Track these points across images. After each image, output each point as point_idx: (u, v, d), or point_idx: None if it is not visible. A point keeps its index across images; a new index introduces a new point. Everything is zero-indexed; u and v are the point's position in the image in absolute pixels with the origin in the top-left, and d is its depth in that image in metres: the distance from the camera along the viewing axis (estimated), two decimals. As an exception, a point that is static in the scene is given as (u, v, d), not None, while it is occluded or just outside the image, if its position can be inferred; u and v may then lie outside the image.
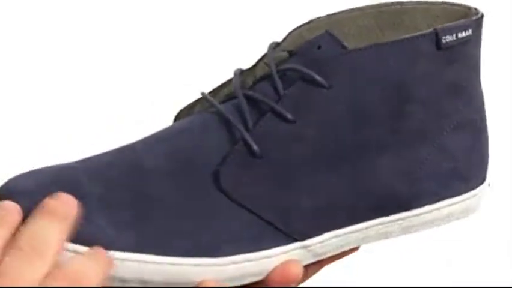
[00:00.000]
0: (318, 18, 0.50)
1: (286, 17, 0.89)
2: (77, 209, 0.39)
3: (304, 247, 0.44)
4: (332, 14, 0.51)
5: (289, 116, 0.43)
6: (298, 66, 0.44)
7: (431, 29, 0.46)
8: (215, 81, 0.50)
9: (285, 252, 0.44)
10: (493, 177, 0.78)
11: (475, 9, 0.49)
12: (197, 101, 0.49)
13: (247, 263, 0.42)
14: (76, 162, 0.43)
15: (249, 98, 0.45)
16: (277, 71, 0.45)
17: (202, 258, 0.41)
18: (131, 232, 0.40)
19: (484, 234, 0.76)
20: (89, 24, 0.88)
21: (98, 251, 0.39)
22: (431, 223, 0.48)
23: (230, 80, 0.48)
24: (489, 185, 0.52)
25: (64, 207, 0.39)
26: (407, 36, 0.45)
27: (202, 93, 0.48)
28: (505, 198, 0.78)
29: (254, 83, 0.47)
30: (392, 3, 0.51)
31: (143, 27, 0.88)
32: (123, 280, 0.40)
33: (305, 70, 0.44)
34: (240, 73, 0.48)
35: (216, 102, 0.45)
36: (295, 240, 0.44)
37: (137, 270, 0.40)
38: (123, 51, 0.87)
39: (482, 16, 0.48)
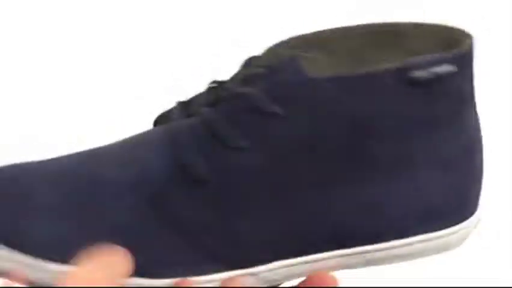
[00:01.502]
0: (297, 36, 0.48)
1: (286, 20, 0.89)
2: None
3: (252, 274, 0.43)
4: (318, 32, 0.49)
5: (241, 143, 0.42)
6: (252, 92, 0.42)
7: (400, 63, 0.43)
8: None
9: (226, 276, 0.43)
10: (492, 177, 0.78)
11: (468, 35, 0.47)
12: (174, 108, 0.47)
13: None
14: (39, 163, 0.43)
15: (205, 121, 0.43)
16: (236, 94, 0.43)
17: (143, 279, 0.40)
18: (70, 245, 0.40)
19: (484, 234, 0.77)
20: (93, 25, 0.88)
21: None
22: (402, 257, 0.46)
23: (206, 90, 0.47)
24: (478, 220, 0.49)
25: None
26: (372, 70, 0.43)
27: (176, 103, 0.46)
28: (505, 198, 0.79)
29: (217, 101, 0.45)
30: (385, 24, 0.49)
31: (148, 29, 0.88)
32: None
33: (258, 99, 0.42)
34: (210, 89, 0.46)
35: (176, 117, 0.44)
36: (240, 267, 0.43)
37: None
38: (127, 52, 0.87)
39: (468, 50, 0.46)
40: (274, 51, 0.47)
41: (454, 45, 0.48)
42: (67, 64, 0.86)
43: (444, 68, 0.44)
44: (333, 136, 0.42)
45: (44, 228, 0.39)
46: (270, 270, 0.44)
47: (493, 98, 0.85)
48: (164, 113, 0.47)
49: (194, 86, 0.84)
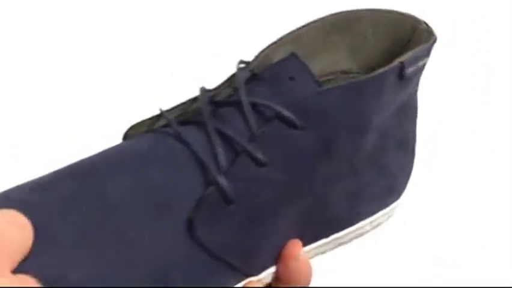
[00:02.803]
0: (282, 37, 0.48)
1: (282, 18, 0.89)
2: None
3: (258, 280, 0.43)
4: (294, 31, 0.48)
5: (262, 159, 0.40)
6: (276, 106, 0.41)
7: (397, 62, 0.43)
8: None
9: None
10: (493, 177, 0.79)
11: (425, 24, 0.48)
12: (153, 118, 0.45)
13: None
14: (30, 192, 0.38)
15: (219, 132, 0.41)
16: (249, 103, 0.42)
17: None
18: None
19: (484, 234, 0.77)
20: (93, 26, 0.88)
21: None
22: (361, 234, 0.48)
23: (192, 99, 0.44)
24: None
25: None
26: (377, 72, 0.43)
27: (162, 112, 0.44)
28: (505, 198, 0.79)
29: (218, 105, 0.43)
30: (343, 11, 0.49)
31: (148, 29, 0.88)
32: None
33: (285, 113, 0.41)
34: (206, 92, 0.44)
35: (183, 133, 0.41)
36: (252, 275, 0.42)
37: None
38: (127, 52, 0.87)
39: (435, 39, 0.47)
40: (264, 54, 0.46)
41: (406, 32, 0.49)
42: (66, 65, 0.86)
43: (425, 61, 0.46)
44: (342, 141, 0.43)
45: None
46: (271, 273, 0.44)
47: (493, 98, 0.85)
48: (141, 122, 0.45)
49: (194, 86, 0.84)
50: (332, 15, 0.50)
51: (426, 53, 0.46)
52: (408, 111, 0.48)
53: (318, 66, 0.51)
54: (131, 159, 0.40)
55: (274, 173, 0.41)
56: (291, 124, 0.41)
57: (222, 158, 0.40)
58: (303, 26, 0.49)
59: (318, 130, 0.41)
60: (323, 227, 0.45)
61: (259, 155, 0.40)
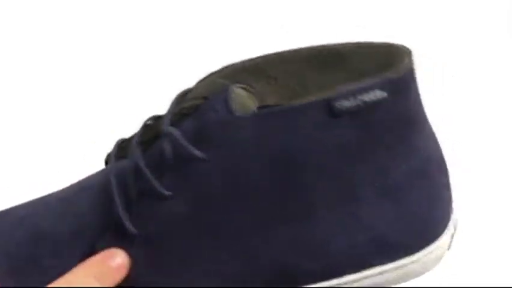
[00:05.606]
0: (233, 64, 0.47)
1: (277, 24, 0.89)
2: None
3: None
4: (250, 59, 0.47)
5: (165, 192, 0.40)
6: (174, 133, 0.41)
7: (323, 95, 0.40)
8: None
9: None
10: (493, 177, 0.79)
11: (408, 52, 0.43)
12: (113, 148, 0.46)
13: None
14: None
15: (136, 164, 0.41)
16: (162, 135, 0.42)
17: None
18: None
19: (484, 234, 0.77)
20: (92, 27, 0.88)
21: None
22: None
23: (148, 125, 0.45)
24: (452, 236, 0.47)
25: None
26: (295, 104, 0.40)
27: (118, 142, 0.45)
28: (505, 198, 0.79)
29: (147, 137, 0.44)
30: (326, 46, 0.47)
31: (148, 30, 0.88)
32: None
33: (180, 141, 0.40)
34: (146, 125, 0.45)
35: (115, 166, 0.42)
36: None
37: None
38: (127, 53, 0.87)
39: (406, 71, 0.42)
40: (211, 80, 0.46)
41: (395, 63, 0.45)
42: (66, 66, 0.86)
43: (375, 95, 0.41)
44: (262, 176, 0.41)
45: None
46: None
47: (493, 98, 0.85)
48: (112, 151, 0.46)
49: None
50: (301, 50, 0.47)
51: (369, 88, 0.41)
52: (388, 158, 0.43)
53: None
54: (71, 192, 0.43)
55: (180, 206, 0.41)
56: (193, 157, 0.41)
57: (131, 191, 0.41)
58: (260, 57, 0.47)
59: (223, 161, 0.40)
60: (276, 277, 0.42)
61: (162, 189, 0.40)
